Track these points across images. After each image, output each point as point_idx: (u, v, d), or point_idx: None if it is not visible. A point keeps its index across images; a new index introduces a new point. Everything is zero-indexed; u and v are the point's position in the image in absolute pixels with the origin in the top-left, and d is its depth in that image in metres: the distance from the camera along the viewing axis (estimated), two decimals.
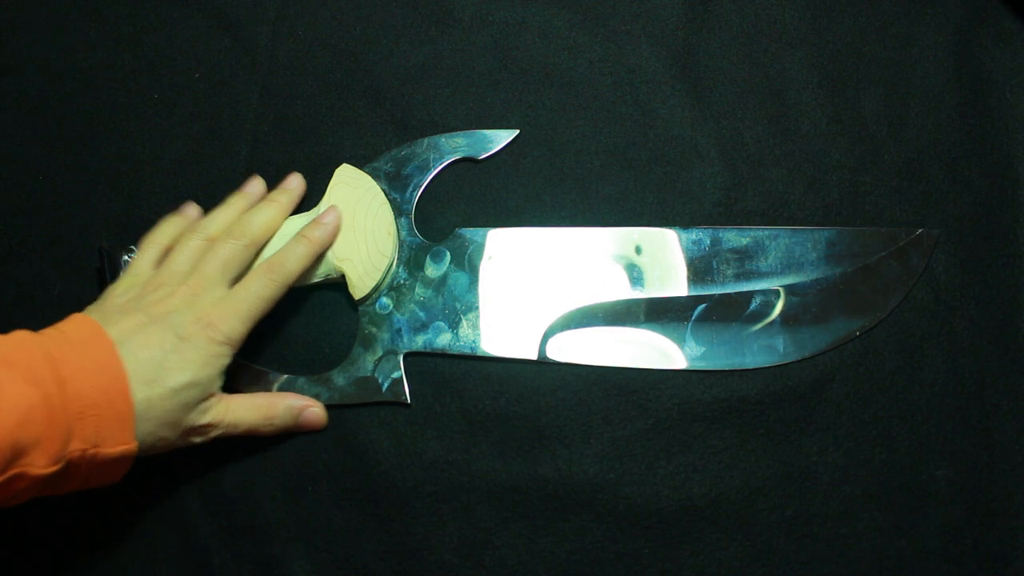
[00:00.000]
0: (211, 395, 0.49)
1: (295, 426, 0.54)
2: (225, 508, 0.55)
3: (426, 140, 0.58)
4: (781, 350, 0.54)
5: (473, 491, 0.54)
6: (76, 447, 0.43)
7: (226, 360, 0.49)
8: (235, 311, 0.49)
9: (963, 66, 0.58)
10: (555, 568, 0.53)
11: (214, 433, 0.51)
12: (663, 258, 0.56)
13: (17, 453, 0.41)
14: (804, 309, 0.55)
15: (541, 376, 0.55)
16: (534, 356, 0.55)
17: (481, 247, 0.57)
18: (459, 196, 0.58)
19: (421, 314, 0.56)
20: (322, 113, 0.59)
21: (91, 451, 0.43)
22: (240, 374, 0.56)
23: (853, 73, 0.58)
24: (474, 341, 0.55)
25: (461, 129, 0.58)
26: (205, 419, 0.49)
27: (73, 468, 0.44)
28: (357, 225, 0.55)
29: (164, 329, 0.47)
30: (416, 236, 0.57)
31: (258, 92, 0.60)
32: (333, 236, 0.54)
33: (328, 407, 0.55)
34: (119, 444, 0.44)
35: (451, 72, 0.60)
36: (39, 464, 0.42)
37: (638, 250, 0.56)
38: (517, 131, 0.58)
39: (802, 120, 0.58)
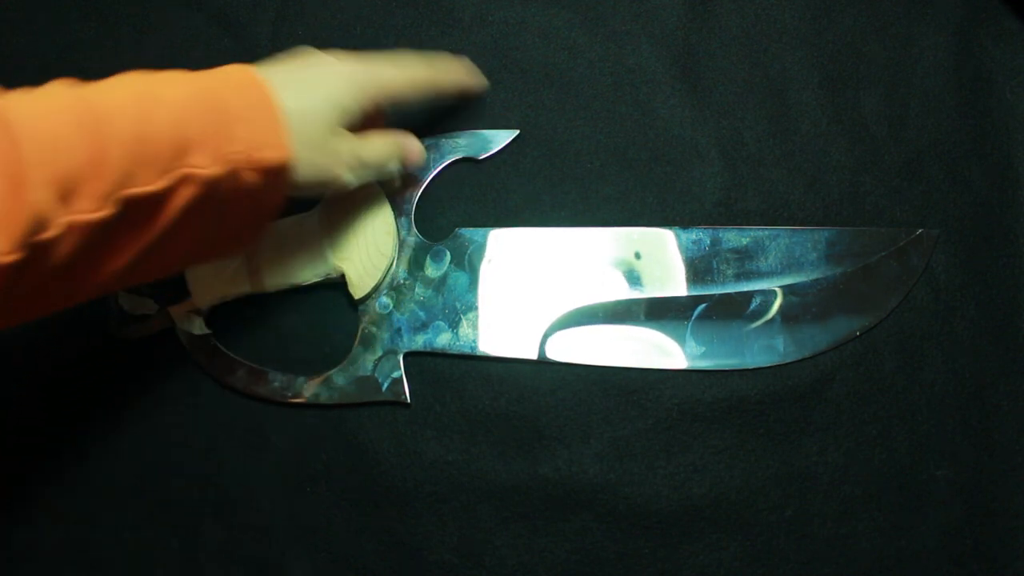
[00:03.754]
0: (352, 125, 0.49)
1: (404, 161, 0.54)
2: (225, 508, 0.55)
3: (426, 140, 0.58)
4: (781, 350, 0.54)
5: (473, 491, 0.54)
6: (237, 147, 0.43)
7: (363, 98, 0.49)
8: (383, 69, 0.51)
9: (963, 66, 0.58)
10: (555, 568, 0.53)
11: (359, 170, 0.50)
12: (663, 258, 0.56)
13: (181, 149, 0.41)
14: (804, 309, 0.55)
15: (541, 376, 0.55)
16: (534, 356, 0.55)
17: (481, 247, 0.57)
18: (459, 196, 0.58)
19: (421, 314, 0.56)
20: None
21: (252, 154, 0.43)
22: (238, 372, 0.56)
23: (853, 73, 0.58)
24: (474, 341, 0.55)
25: (461, 129, 0.58)
26: (346, 148, 0.49)
27: (237, 176, 0.44)
28: (357, 226, 0.55)
29: (312, 62, 0.49)
30: (416, 236, 0.57)
31: None
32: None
33: (328, 407, 0.55)
34: (276, 149, 0.44)
35: None
36: (203, 163, 0.42)
37: (638, 250, 0.56)
38: (517, 131, 0.58)
39: (802, 120, 0.58)
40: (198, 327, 0.56)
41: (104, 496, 0.56)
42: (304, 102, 0.46)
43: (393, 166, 0.53)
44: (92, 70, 0.61)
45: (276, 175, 0.45)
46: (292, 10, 0.61)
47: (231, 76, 0.45)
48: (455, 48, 0.60)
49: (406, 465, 0.55)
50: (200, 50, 0.61)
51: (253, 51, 0.60)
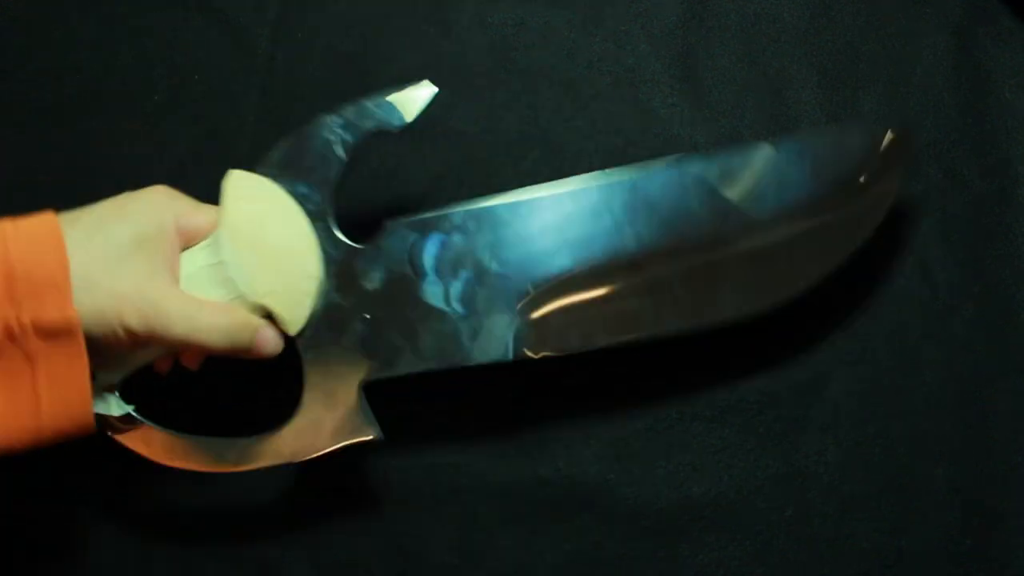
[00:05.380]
0: (157, 281, 0.43)
1: (248, 347, 0.46)
2: (225, 509, 0.55)
3: (326, 119, 0.48)
4: (775, 289, 0.49)
5: (473, 491, 0.54)
6: (9, 311, 0.39)
7: (171, 235, 0.45)
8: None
9: (962, 65, 0.58)
10: (555, 568, 0.53)
11: (159, 330, 0.43)
12: (633, 212, 0.49)
13: None
14: (789, 239, 0.49)
15: (541, 376, 0.55)
16: (509, 355, 0.48)
17: (422, 238, 0.48)
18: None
19: (370, 334, 0.48)
20: None
21: (26, 317, 0.39)
22: (177, 450, 0.48)
23: (852, 72, 0.58)
24: (438, 351, 0.48)
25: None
26: (174, 301, 0.43)
27: (16, 342, 0.40)
28: (271, 247, 0.46)
29: (115, 201, 0.45)
30: (341, 242, 0.48)
31: (258, 94, 0.60)
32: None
33: (291, 466, 0.49)
34: (58, 308, 0.40)
35: (451, 73, 0.60)
36: None
37: (602, 209, 0.49)
38: (435, 89, 0.49)
39: (801, 119, 0.58)
40: (115, 406, 0.47)
41: (102, 496, 0.56)
42: (96, 239, 0.42)
43: (221, 344, 0.45)
44: (92, 70, 0.61)
45: (60, 339, 0.40)
46: (292, 12, 0.61)
47: (21, 230, 0.41)
48: (455, 48, 0.60)
49: (406, 465, 0.55)
50: (200, 51, 0.61)
51: (253, 52, 0.60)
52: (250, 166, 0.49)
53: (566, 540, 0.53)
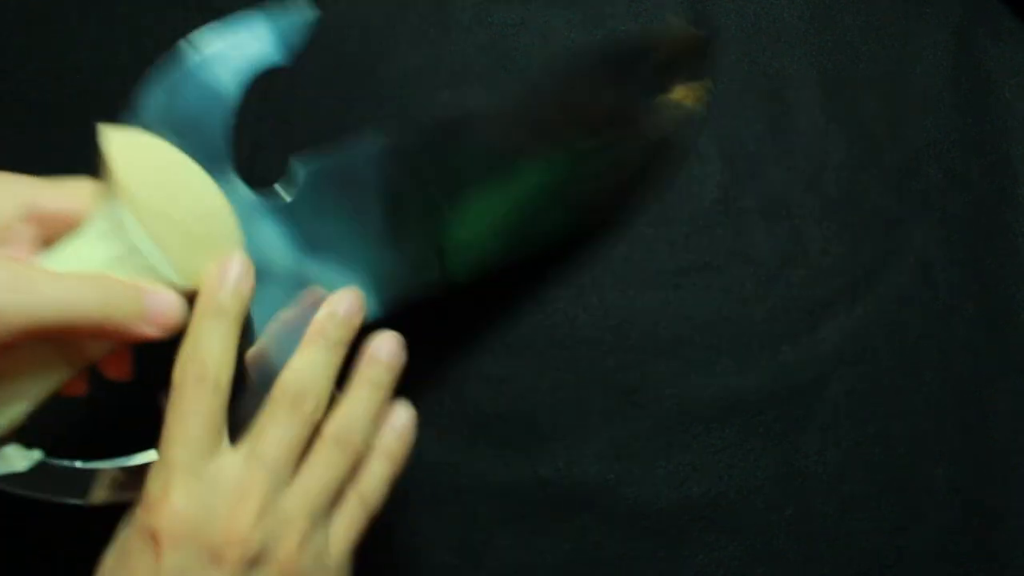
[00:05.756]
0: None
1: (141, 315, 0.36)
2: None
3: (190, 53, 0.42)
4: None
5: (473, 491, 0.54)
6: None
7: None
8: None
9: (962, 65, 0.58)
10: (555, 568, 0.53)
11: (32, 305, 0.33)
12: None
13: None
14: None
15: (541, 376, 0.55)
16: (435, 277, 0.46)
17: (333, 175, 0.43)
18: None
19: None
20: (322, 116, 0.59)
21: None
22: (102, 483, 0.39)
23: (852, 72, 0.58)
24: (376, 290, 0.43)
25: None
26: None
27: None
28: (185, 218, 0.38)
29: None
30: (250, 196, 0.41)
31: (258, 95, 0.59)
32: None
33: None
34: None
35: (451, 73, 0.60)
36: None
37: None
38: (312, 13, 0.43)
39: (800, 119, 0.58)
40: (21, 458, 0.37)
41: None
42: None
43: (104, 312, 0.35)
44: (92, 70, 0.62)
45: None
46: None
47: None
48: (455, 48, 0.60)
49: (406, 465, 0.55)
50: None
51: None
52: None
53: (566, 540, 0.53)
